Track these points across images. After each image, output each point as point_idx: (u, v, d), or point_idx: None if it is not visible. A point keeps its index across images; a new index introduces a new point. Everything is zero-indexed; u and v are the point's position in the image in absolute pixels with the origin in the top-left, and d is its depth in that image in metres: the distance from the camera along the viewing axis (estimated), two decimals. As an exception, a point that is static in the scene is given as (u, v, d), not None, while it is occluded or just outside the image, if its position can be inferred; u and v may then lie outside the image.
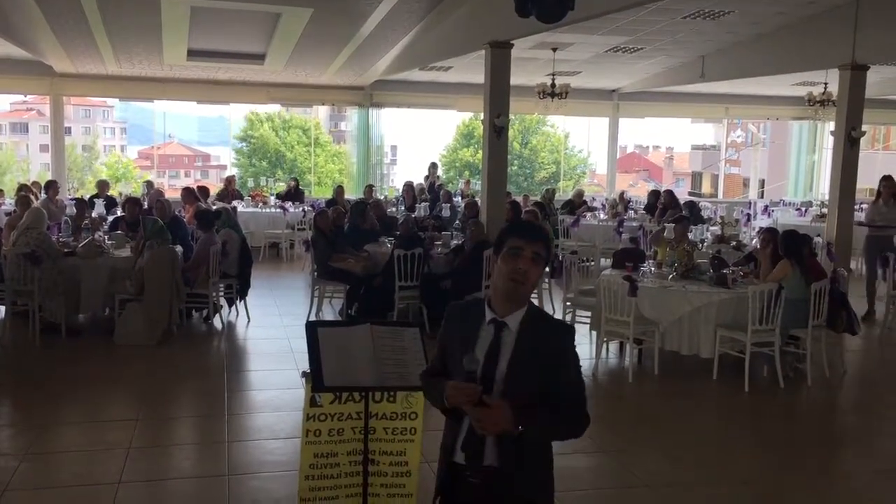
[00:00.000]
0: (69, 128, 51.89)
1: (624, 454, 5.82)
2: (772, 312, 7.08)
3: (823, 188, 18.63)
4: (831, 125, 11.40)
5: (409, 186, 15.96)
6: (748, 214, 16.38)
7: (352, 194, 16.23)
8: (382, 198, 15.78)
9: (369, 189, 15.35)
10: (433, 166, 17.38)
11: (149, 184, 15.68)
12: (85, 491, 4.96)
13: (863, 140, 11.11)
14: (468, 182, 18.17)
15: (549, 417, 2.59)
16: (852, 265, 11.87)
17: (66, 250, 8.81)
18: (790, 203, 17.93)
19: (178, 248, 9.03)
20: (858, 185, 11.81)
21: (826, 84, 14.46)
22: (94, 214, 11.24)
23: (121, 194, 14.85)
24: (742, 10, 10.81)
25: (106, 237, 9.51)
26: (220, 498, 4.87)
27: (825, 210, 12.85)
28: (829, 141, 12.00)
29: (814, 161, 20.29)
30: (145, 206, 11.46)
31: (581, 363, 2.70)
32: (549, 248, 2.67)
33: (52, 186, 12.77)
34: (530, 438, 2.58)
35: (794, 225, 12.04)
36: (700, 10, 10.67)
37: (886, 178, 10.53)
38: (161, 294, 8.32)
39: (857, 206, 13.12)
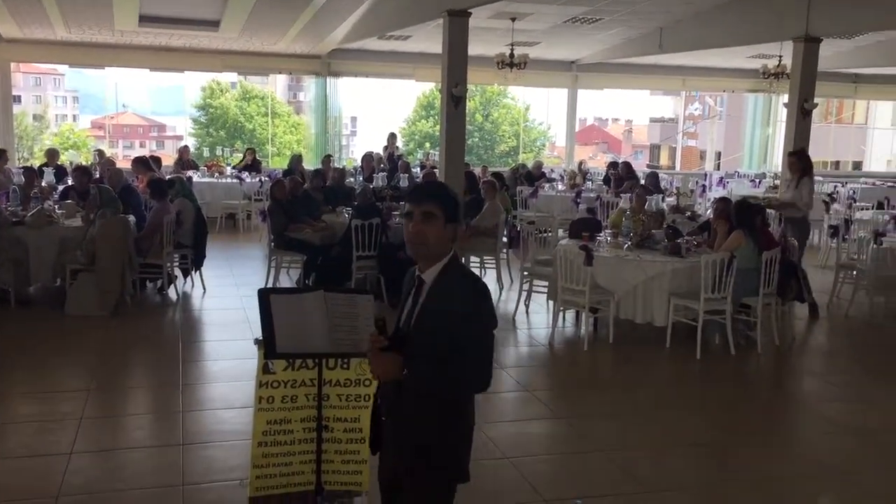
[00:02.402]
0: (18, 96, 50.51)
1: (579, 420, 5.90)
2: (724, 281, 7.20)
3: (777, 160, 18.91)
4: (785, 98, 11.56)
5: (367, 157, 15.87)
6: (703, 186, 16.58)
7: (310, 165, 16.08)
8: (342, 167, 15.67)
9: (327, 159, 15.21)
10: (392, 137, 17.28)
11: (100, 153, 15.35)
12: (36, 461, 4.90)
13: (816, 113, 11.27)
14: (429, 155, 18.12)
15: (431, 369, 2.69)
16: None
17: (14, 219, 8.61)
18: (745, 175, 18.18)
19: (131, 218, 8.88)
20: (811, 158, 11.96)
21: (780, 57, 14.63)
22: (43, 183, 10.99)
23: (70, 163, 14.54)
24: (699, -18, 10.87)
25: (56, 206, 9.31)
26: (174, 467, 4.85)
27: (778, 182, 13.06)
28: (784, 113, 12.17)
29: (768, 134, 20.58)
30: (97, 175, 11.22)
31: (489, 324, 2.74)
32: (446, 204, 2.74)
33: (0, 155, 12.43)
34: (412, 387, 2.72)
35: (747, 196, 12.21)
36: (658, -20, 10.71)
37: (792, 154, 9.61)
38: (113, 264, 8.19)
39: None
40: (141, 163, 11.89)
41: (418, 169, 15.86)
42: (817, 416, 6.25)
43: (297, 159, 14.88)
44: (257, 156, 16.52)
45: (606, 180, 14.96)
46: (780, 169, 11.82)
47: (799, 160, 9.38)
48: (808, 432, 5.98)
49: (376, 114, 42.33)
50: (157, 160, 13.70)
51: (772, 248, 7.52)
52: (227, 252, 11.79)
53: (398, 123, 37.82)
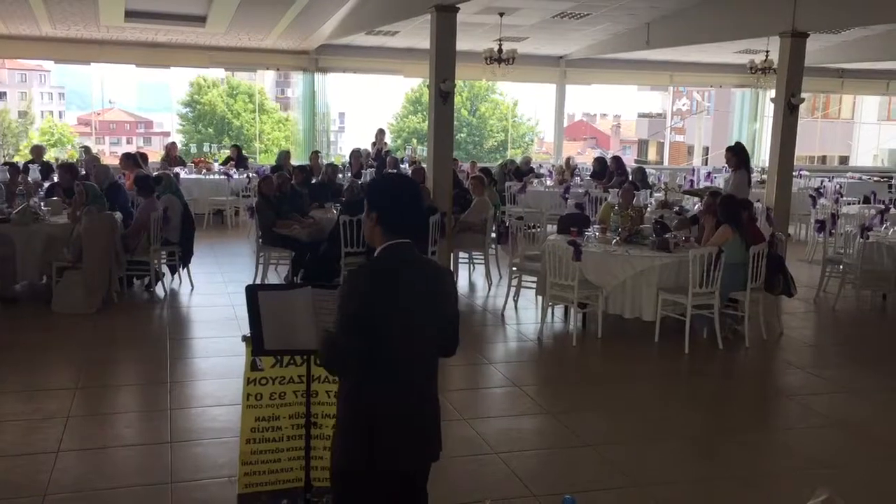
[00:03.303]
0: (4, 93, 50.17)
1: (567, 415, 5.90)
2: (712, 276, 7.22)
3: (764, 155, 18.98)
4: (772, 93, 11.59)
5: (356, 153, 15.83)
6: (691, 181, 16.63)
7: (299, 161, 16.02)
8: (331, 162, 15.63)
9: (315, 155, 15.16)
10: (380, 133, 17.24)
11: (86, 149, 15.26)
12: (23, 460, 4.86)
13: (803, 108, 11.30)
14: (414, 149, 18.09)
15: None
16: (790, 230, 12.14)
17: (-1, 217, 8.56)
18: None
19: (118, 215, 8.82)
20: (798, 153, 12.02)
21: (767, 52, 14.67)
22: (28, 180, 10.91)
23: (56, 160, 14.45)
24: (686, -23, 10.88)
25: (41, 203, 9.24)
26: (162, 465, 4.82)
27: (765, 177, 13.10)
28: (771, 109, 12.24)
29: (755, 129, 20.65)
30: (82, 172, 11.14)
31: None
32: (368, 197, 2.99)
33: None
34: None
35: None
36: (645, -25, 10.71)
37: (729, 149, 10.16)
38: (100, 261, 8.14)
39: (796, 174, 13.47)
40: (129, 158, 11.81)
41: (406, 165, 15.83)
42: (806, 410, 6.28)
43: (284, 156, 14.83)
44: (243, 152, 16.47)
45: (595, 175, 14.99)
46: (767, 164, 11.87)
47: (734, 155, 9.78)
48: (796, 426, 6.01)
49: (364, 109, 42.29)
50: (144, 157, 13.63)
51: (759, 242, 7.55)
52: (214, 249, 11.75)
53: (387, 119, 37.79)
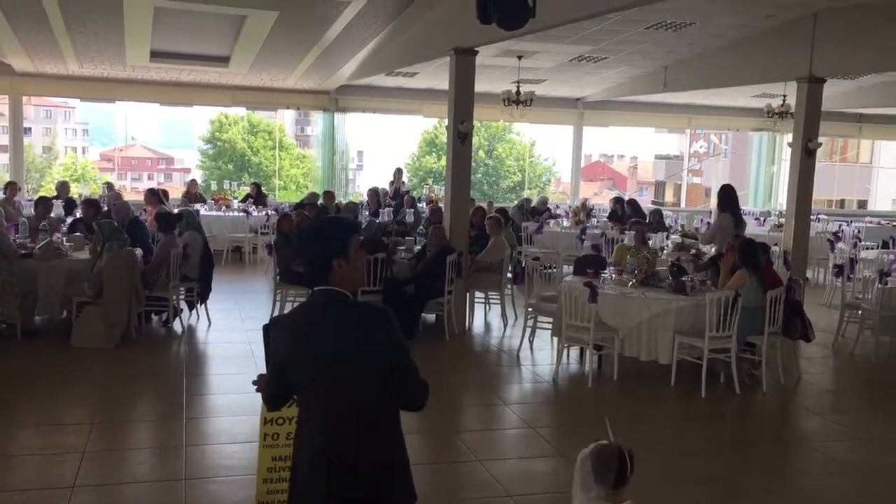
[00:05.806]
0: (29, 128, 51.02)
1: (582, 458, 5.86)
2: (729, 319, 7.20)
3: (782, 198, 18.95)
4: (789, 137, 11.62)
5: (373, 192, 15.95)
6: (708, 223, 16.60)
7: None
8: (349, 201, 15.77)
9: (329, 195, 15.09)
10: (398, 172, 17.38)
11: (108, 185, 15.49)
12: (39, 495, 4.89)
13: (820, 152, 11.31)
14: (433, 189, 18.21)
15: None
16: (808, 274, 12.09)
17: (22, 252, 8.67)
18: (749, 213, 18.18)
19: (138, 251, 8.93)
20: (815, 196, 12.01)
21: (784, 96, 14.75)
22: (51, 216, 11.07)
23: (80, 196, 14.67)
24: (703, 23, 10.98)
25: (64, 239, 9.37)
26: (176, 502, 4.83)
27: (783, 220, 13.08)
28: (788, 152, 12.27)
29: (773, 172, 20.66)
30: (104, 208, 11.31)
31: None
32: None
33: (10, 187, 12.60)
34: None
35: (752, 234, 12.25)
36: (662, 21, 10.82)
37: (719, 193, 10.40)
38: (119, 297, 8.22)
39: (814, 218, 13.43)
40: (154, 195, 11.99)
41: (423, 204, 15.94)
42: (823, 456, 6.21)
43: (311, 197, 14.90)
44: (262, 189, 16.64)
45: (612, 216, 15.02)
46: (784, 207, 11.85)
47: (720, 198, 9.86)
48: (813, 472, 5.94)
49: (383, 148, 42.64)
50: (165, 193, 13.81)
51: (776, 286, 7.53)
52: (233, 285, 11.82)
53: (403, 159, 38.08)
